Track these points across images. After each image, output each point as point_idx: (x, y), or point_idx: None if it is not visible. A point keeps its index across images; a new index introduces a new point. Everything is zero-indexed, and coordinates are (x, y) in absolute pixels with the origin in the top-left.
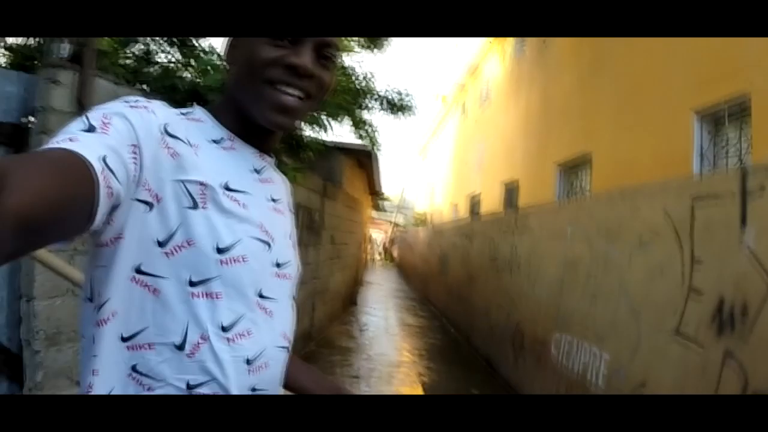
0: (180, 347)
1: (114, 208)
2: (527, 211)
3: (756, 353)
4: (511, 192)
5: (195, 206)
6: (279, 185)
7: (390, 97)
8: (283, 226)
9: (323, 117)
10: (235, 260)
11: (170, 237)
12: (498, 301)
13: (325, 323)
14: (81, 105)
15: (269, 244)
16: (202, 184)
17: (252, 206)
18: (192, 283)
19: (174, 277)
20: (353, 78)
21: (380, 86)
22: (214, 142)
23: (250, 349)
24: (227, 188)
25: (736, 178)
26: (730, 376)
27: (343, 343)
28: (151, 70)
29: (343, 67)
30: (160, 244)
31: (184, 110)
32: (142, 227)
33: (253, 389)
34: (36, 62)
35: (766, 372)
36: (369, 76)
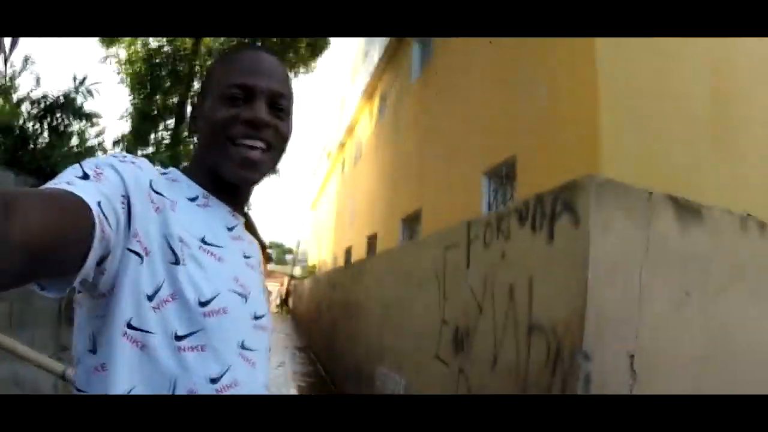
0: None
1: (104, 256)
2: (361, 264)
3: (474, 365)
4: (371, 243)
5: (177, 262)
6: (250, 244)
7: None
8: (257, 282)
9: None
10: (216, 312)
11: (157, 291)
12: (349, 344)
13: None
14: None
15: (246, 297)
16: (181, 240)
17: (227, 260)
18: (178, 337)
19: (161, 332)
20: None
21: None
22: (191, 200)
23: None
24: (204, 242)
25: (465, 229)
26: (462, 384)
27: None
28: (22, 153)
29: None
30: (149, 298)
31: (161, 170)
32: (135, 279)
33: None
34: None
35: (480, 380)
36: None
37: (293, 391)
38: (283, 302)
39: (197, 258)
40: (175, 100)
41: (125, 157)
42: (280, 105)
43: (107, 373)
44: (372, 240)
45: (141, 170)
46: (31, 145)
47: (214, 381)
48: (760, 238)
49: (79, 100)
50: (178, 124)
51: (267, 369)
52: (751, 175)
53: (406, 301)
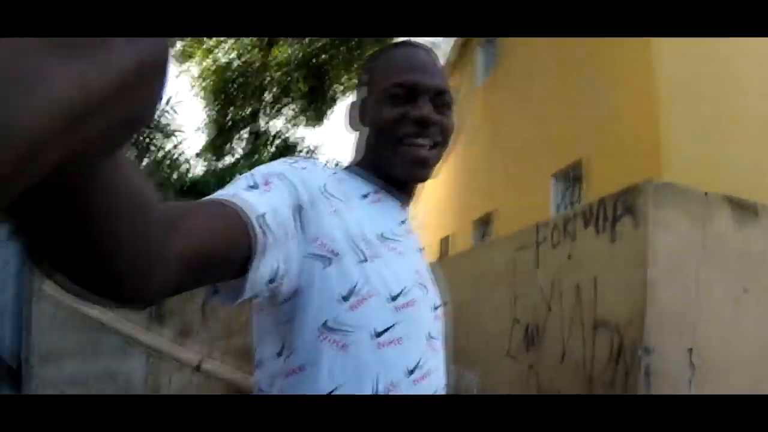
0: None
1: (276, 267)
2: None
3: (543, 361)
4: (443, 246)
5: (365, 260)
6: (417, 236)
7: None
8: (429, 273)
9: None
10: (407, 305)
11: (352, 291)
12: None
13: None
14: None
15: (426, 289)
16: (364, 238)
17: (406, 254)
18: (377, 333)
19: (360, 330)
20: (297, 151)
21: (328, 155)
22: (363, 197)
23: (429, 387)
24: (383, 237)
25: (534, 231)
26: (533, 379)
27: None
28: None
29: (288, 142)
30: (344, 299)
31: (330, 169)
32: (323, 282)
33: None
34: None
35: (549, 374)
36: (312, 149)
37: None
38: None
39: (381, 254)
40: (248, 111)
41: (296, 162)
42: (444, 101)
43: (307, 375)
44: (444, 242)
45: (312, 174)
46: None
47: (411, 372)
48: None
49: (164, 118)
50: (252, 134)
51: (444, 357)
52: None
53: (478, 301)
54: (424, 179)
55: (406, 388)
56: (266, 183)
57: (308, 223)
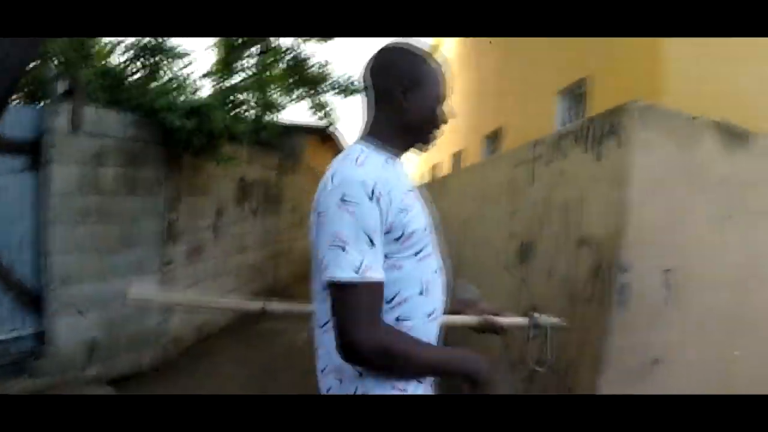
0: (420, 293)
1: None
2: (443, 180)
3: (534, 275)
4: (456, 160)
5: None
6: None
7: (341, 82)
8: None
9: (278, 101)
10: (429, 233)
11: (401, 235)
12: None
13: (289, 282)
14: (74, 126)
15: (432, 224)
16: (402, 198)
17: (420, 199)
18: (416, 254)
19: (408, 254)
20: (308, 67)
21: (338, 71)
22: (385, 162)
23: (442, 282)
24: (409, 190)
25: (531, 148)
26: (524, 294)
27: (305, 298)
28: (122, 89)
29: (299, 58)
30: (396, 240)
31: (383, 161)
32: (389, 239)
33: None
34: (42, 95)
35: (538, 290)
36: (323, 64)
37: None
38: None
39: (413, 204)
40: None
41: (373, 190)
42: None
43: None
44: (457, 156)
45: (387, 197)
46: (127, 85)
47: (435, 272)
48: None
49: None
50: (262, 52)
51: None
52: None
53: (481, 216)
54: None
55: (437, 280)
56: (374, 238)
57: (392, 228)
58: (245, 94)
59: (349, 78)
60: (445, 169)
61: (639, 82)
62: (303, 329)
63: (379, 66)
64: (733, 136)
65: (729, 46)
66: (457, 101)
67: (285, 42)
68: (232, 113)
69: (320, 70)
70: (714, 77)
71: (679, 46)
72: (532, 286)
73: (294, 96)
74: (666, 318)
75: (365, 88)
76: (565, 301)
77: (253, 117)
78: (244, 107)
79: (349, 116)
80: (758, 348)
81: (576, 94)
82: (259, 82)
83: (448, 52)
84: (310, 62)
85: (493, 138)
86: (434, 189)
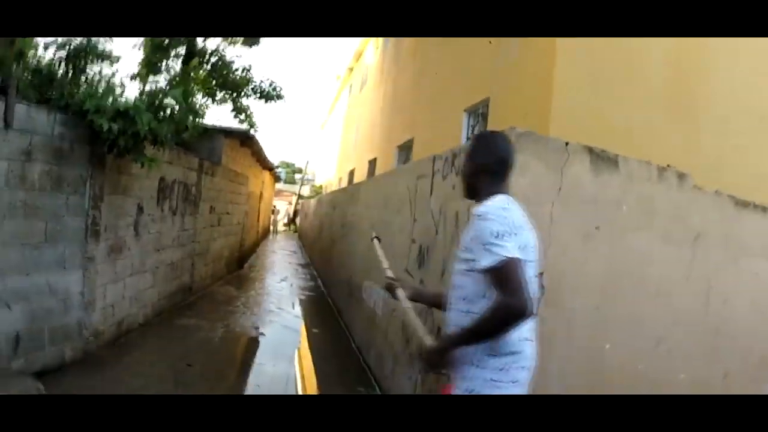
0: None
1: None
2: (356, 187)
3: (430, 277)
4: (372, 167)
5: None
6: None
7: (264, 87)
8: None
9: (200, 104)
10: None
11: None
12: (343, 260)
13: (207, 281)
14: (6, 123)
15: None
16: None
17: None
18: None
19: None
20: (231, 71)
21: (260, 76)
22: None
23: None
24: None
25: (431, 162)
26: None
27: (221, 297)
28: (52, 88)
29: (222, 62)
30: None
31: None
32: None
33: None
34: None
35: (433, 288)
36: (247, 68)
37: (297, 302)
38: (291, 221)
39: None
40: None
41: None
42: None
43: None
44: (372, 164)
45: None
46: (56, 84)
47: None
48: (677, 188)
49: (101, 44)
50: (188, 55)
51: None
52: (704, 139)
53: (387, 222)
54: None
55: None
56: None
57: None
58: (170, 97)
59: (271, 84)
60: (363, 175)
61: (533, 104)
62: (217, 327)
63: None
64: (602, 159)
65: (614, 83)
66: (375, 111)
67: (210, 44)
68: (157, 116)
69: (243, 74)
70: (599, 106)
71: (571, 73)
72: (428, 287)
73: (216, 99)
74: (539, 314)
75: None
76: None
77: (177, 119)
78: (169, 110)
79: (268, 120)
80: (627, 341)
81: (479, 113)
82: (184, 85)
83: (369, 57)
84: (234, 66)
85: (406, 149)
86: (347, 195)
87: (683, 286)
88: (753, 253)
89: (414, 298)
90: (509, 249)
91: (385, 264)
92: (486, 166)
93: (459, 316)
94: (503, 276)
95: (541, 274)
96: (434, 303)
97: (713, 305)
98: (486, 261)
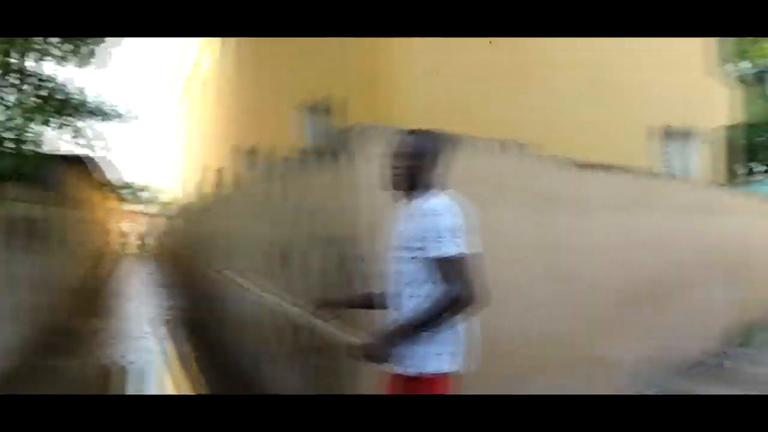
0: None
1: None
2: (207, 200)
3: (294, 276)
4: (220, 175)
5: None
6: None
7: (102, 108)
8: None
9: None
10: None
11: None
12: (202, 275)
13: (65, 317)
14: None
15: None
16: None
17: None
18: None
19: None
20: (66, 93)
21: (95, 95)
22: None
23: None
24: None
25: (282, 165)
26: (288, 292)
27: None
28: None
29: (56, 86)
30: None
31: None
32: None
33: None
34: None
35: (298, 286)
36: (81, 89)
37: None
38: (142, 242)
39: None
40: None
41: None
42: None
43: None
44: (220, 173)
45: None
46: None
47: None
48: (519, 158)
49: None
50: (20, 82)
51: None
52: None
53: (245, 230)
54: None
55: None
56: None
57: None
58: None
59: (110, 104)
60: (208, 186)
61: (376, 98)
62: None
63: None
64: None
65: (453, 69)
66: (222, 118)
67: (42, 70)
68: None
69: (78, 97)
70: (440, 92)
71: (409, 65)
72: (293, 286)
73: (53, 124)
74: None
75: None
76: (319, 292)
77: (15, 152)
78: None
79: (116, 142)
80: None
81: (322, 111)
82: (20, 116)
83: (207, 63)
84: (68, 89)
85: (252, 154)
86: (198, 209)
87: (538, 248)
88: (600, 206)
89: (347, 305)
90: (461, 244)
91: (258, 290)
92: (421, 162)
93: (403, 299)
94: (457, 267)
95: None
96: (365, 304)
97: (569, 263)
98: (438, 251)
